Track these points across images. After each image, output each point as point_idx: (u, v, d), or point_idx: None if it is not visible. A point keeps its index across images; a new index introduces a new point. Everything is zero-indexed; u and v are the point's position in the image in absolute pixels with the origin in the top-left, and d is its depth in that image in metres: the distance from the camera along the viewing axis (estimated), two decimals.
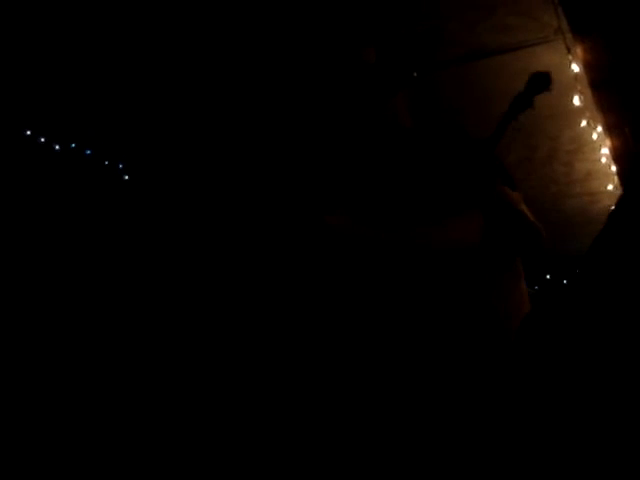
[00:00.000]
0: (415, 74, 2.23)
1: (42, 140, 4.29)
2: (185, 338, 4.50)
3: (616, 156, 4.19)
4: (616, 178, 4.42)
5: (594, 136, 4.06)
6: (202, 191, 5.06)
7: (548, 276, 6.78)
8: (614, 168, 4.33)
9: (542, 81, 2.11)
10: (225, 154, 4.55)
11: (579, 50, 3.26)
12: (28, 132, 4.22)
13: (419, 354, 1.84)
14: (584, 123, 3.91)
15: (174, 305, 4.62)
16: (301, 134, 4.09)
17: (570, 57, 3.36)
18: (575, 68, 3.41)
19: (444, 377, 1.82)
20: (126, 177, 4.70)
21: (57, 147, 4.35)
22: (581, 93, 3.60)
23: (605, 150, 4.15)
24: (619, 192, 4.48)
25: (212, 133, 4.35)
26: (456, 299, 1.89)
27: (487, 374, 1.81)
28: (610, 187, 4.57)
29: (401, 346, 1.84)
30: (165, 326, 4.49)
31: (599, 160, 4.34)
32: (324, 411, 1.91)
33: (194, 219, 5.08)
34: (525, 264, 2.16)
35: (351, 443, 1.83)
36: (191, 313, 4.63)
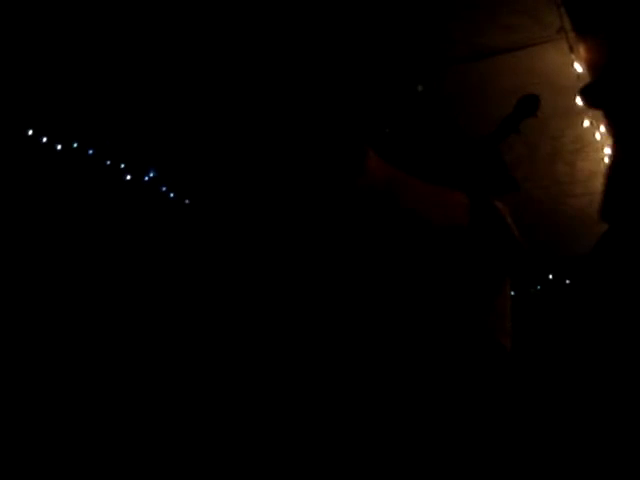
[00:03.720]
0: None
1: (44, 140, 4.29)
2: (185, 338, 4.49)
3: None
4: None
5: (597, 136, 4.04)
6: (205, 190, 5.06)
7: (550, 276, 6.77)
8: None
9: (530, 106, 2.08)
10: (227, 153, 4.55)
11: (582, 50, 3.24)
12: (30, 132, 4.22)
13: (408, 354, 1.84)
14: (587, 123, 3.89)
15: (175, 305, 4.62)
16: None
17: (573, 57, 3.35)
18: (578, 68, 3.40)
19: (432, 379, 1.82)
20: (128, 177, 4.70)
21: (59, 147, 4.35)
22: None
23: (608, 150, 4.14)
24: None
25: (214, 133, 4.35)
26: (445, 309, 1.90)
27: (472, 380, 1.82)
28: None
29: (392, 345, 1.84)
30: (165, 326, 4.49)
31: (602, 160, 4.33)
32: (323, 409, 1.91)
33: (196, 218, 5.08)
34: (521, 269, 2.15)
35: (350, 442, 1.82)
36: (191, 313, 4.63)
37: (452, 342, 1.87)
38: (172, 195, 5.00)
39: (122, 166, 4.66)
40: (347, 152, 1.78)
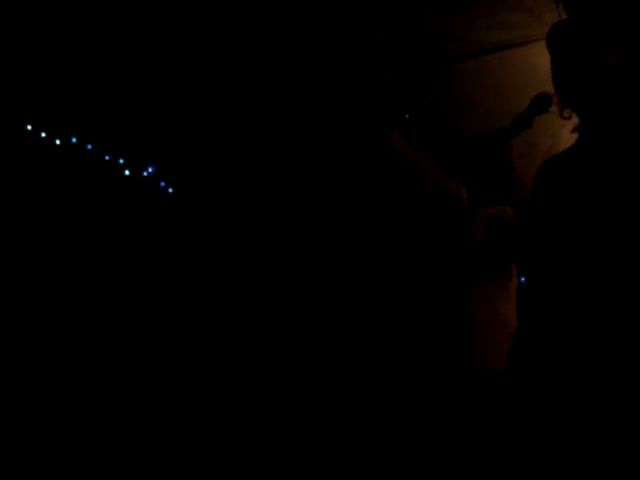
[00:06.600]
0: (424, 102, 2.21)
1: (43, 135, 4.29)
2: (184, 334, 4.50)
3: None
4: None
5: None
6: (204, 187, 5.06)
7: None
8: None
9: (543, 103, 2.25)
10: (227, 151, 4.55)
11: None
12: (29, 127, 4.22)
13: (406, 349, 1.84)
14: None
15: (173, 300, 4.62)
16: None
17: None
18: None
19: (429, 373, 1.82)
20: (127, 172, 4.70)
21: (58, 142, 4.35)
22: None
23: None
24: None
25: (213, 129, 4.35)
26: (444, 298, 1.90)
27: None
28: None
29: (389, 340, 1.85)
30: (164, 322, 4.50)
31: None
32: (323, 409, 1.91)
33: (196, 216, 5.08)
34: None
35: (350, 442, 1.83)
36: (190, 308, 4.63)
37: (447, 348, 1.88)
38: (171, 190, 5.00)
39: (121, 161, 4.66)
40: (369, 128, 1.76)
